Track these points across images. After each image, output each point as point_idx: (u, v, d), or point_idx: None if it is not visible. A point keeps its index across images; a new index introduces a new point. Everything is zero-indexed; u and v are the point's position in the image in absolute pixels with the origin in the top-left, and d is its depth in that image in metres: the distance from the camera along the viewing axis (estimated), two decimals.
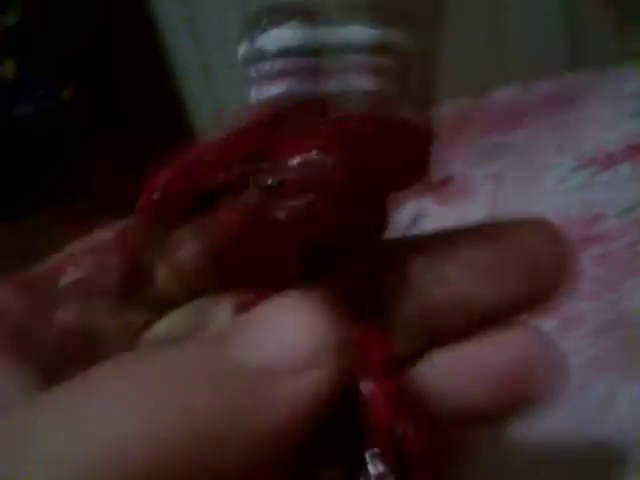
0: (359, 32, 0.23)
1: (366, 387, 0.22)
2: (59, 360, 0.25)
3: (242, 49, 0.24)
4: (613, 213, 0.60)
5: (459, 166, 0.77)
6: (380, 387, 0.22)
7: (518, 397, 0.25)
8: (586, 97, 0.87)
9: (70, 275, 0.25)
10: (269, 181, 0.22)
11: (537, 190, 0.69)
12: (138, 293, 0.25)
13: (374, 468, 0.21)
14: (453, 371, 0.25)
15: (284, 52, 0.23)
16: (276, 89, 0.24)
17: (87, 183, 1.45)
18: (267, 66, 0.23)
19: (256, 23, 0.24)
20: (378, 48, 0.24)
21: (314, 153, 0.22)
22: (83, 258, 0.26)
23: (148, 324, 0.26)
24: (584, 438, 0.43)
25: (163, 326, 0.25)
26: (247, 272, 0.25)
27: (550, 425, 0.44)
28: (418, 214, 0.68)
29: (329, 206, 0.22)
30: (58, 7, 1.33)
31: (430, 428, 0.22)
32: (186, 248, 0.25)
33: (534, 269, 0.26)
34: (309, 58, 0.24)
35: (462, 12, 1.28)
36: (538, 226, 0.26)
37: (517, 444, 0.44)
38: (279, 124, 0.23)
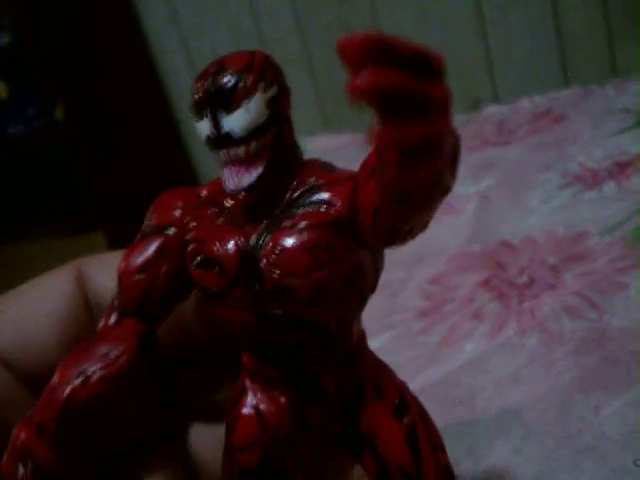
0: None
1: None
2: None
3: (204, 130, 0.23)
4: (597, 231, 0.61)
5: None
6: None
7: None
8: (574, 114, 0.88)
9: None
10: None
11: (522, 208, 0.69)
12: None
13: None
14: None
15: (252, 134, 0.23)
16: (249, 176, 0.23)
17: (79, 199, 1.46)
18: (239, 150, 0.23)
19: (213, 102, 0.23)
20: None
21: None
22: None
23: None
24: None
25: None
26: None
27: (535, 439, 0.45)
28: None
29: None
30: (48, 28, 1.34)
31: None
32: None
33: None
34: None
35: (452, 29, 1.29)
36: None
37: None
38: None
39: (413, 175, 0.20)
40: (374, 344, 0.56)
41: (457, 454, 0.46)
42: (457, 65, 1.33)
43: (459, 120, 0.97)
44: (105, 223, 1.43)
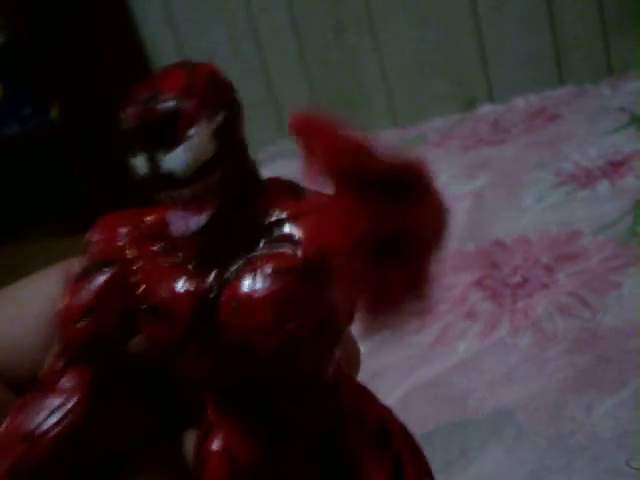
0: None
1: None
2: None
3: (139, 167, 0.20)
4: (590, 230, 0.61)
5: (443, 181, 0.77)
6: None
7: None
8: (568, 113, 0.88)
9: None
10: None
11: (516, 207, 0.69)
12: None
13: None
14: None
15: (198, 173, 0.19)
16: (197, 221, 0.20)
17: (73, 200, 1.45)
18: (183, 192, 0.20)
19: (146, 136, 0.19)
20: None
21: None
22: None
23: None
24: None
25: None
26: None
27: (527, 439, 0.45)
28: None
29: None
30: (44, 28, 1.33)
31: None
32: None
33: None
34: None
35: (447, 28, 1.29)
36: None
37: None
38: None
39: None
40: (366, 345, 0.56)
41: (450, 454, 0.45)
42: (452, 64, 1.33)
43: (454, 119, 0.97)
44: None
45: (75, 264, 0.29)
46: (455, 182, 0.78)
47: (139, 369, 0.28)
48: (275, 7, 1.39)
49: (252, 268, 0.20)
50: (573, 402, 0.45)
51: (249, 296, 0.20)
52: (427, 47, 1.32)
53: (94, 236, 0.23)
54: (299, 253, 0.20)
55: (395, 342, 0.56)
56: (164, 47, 1.49)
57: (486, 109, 0.98)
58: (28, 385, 0.24)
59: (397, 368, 0.54)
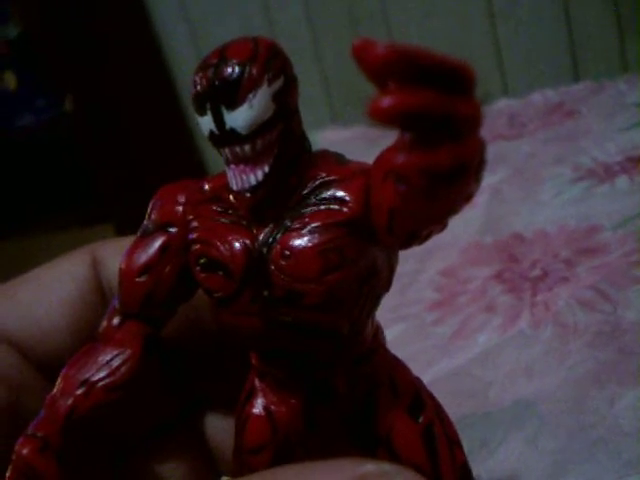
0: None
1: None
2: None
3: (207, 125, 0.22)
4: (610, 225, 0.61)
5: None
6: None
7: None
8: (585, 109, 0.88)
9: None
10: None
11: (534, 201, 0.69)
12: None
13: None
14: None
15: (258, 130, 0.21)
16: (255, 176, 0.22)
17: (87, 191, 1.46)
18: (244, 148, 0.21)
19: (215, 96, 0.21)
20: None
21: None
22: None
23: None
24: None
25: None
26: None
27: (549, 431, 0.45)
28: None
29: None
30: (58, 19, 1.34)
31: None
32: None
33: None
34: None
35: (462, 22, 1.29)
36: None
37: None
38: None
39: (443, 197, 0.19)
40: (386, 336, 0.56)
41: (471, 445, 0.46)
42: (466, 58, 1.32)
43: None
44: (114, 215, 1.43)
45: (100, 247, 0.30)
46: None
47: (168, 354, 0.29)
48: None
49: (302, 223, 0.22)
50: (595, 395, 0.45)
51: (299, 247, 0.21)
52: (441, 40, 1.32)
53: (154, 203, 0.25)
54: (345, 210, 0.22)
55: (414, 334, 0.57)
56: (179, 39, 1.49)
57: (503, 103, 0.98)
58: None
59: (417, 360, 0.54)
